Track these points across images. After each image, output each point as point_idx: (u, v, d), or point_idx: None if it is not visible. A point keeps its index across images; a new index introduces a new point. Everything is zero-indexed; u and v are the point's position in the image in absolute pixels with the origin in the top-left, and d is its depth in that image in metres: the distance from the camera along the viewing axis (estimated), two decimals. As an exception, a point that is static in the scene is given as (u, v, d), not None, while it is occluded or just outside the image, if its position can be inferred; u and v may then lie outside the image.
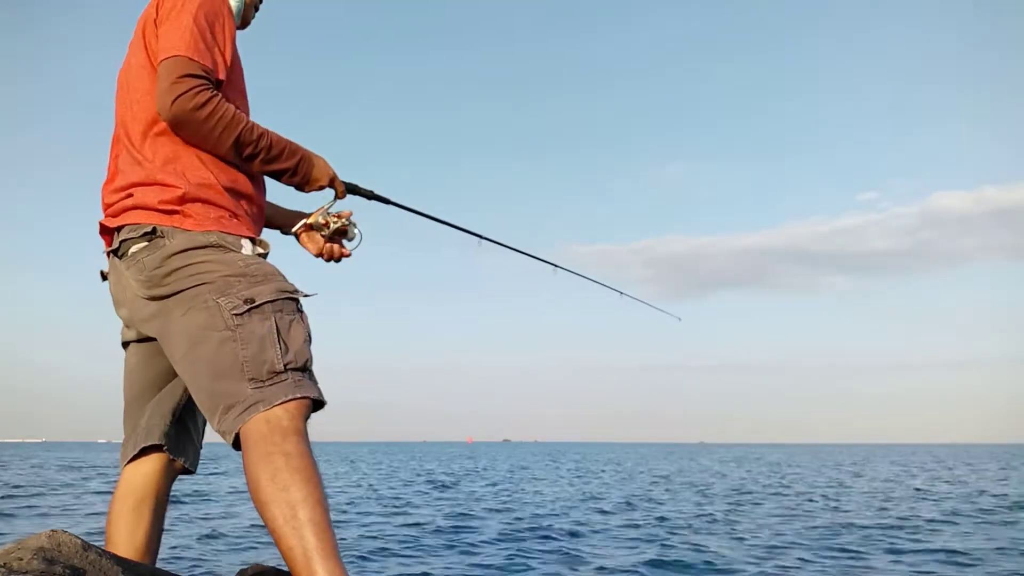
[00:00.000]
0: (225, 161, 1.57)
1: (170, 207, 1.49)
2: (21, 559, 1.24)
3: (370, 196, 1.90)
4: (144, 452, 1.66)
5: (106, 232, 1.60)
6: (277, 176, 1.66)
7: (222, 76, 1.54)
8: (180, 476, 1.74)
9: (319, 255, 1.83)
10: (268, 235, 1.81)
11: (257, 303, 1.44)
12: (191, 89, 1.45)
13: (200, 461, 1.78)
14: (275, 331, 1.43)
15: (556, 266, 2.70)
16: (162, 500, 1.69)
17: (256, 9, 1.84)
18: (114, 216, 1.55)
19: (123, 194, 1.54)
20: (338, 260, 1.83)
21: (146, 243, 1.49)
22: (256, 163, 1.60)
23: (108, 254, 1.61)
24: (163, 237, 1.48)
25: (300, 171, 1.66)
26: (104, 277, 1.67)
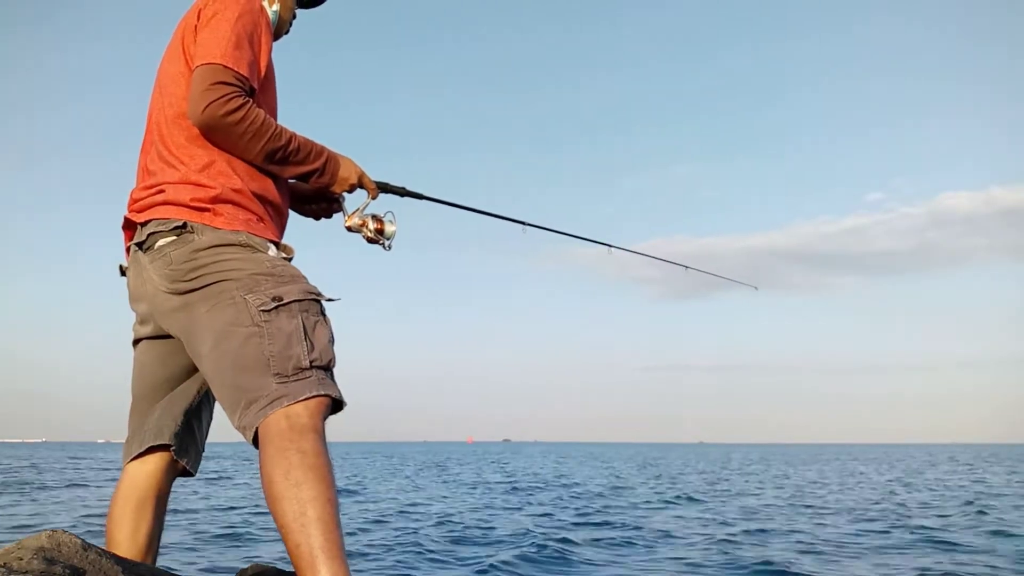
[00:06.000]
0: (256, 168, 1.61)
1: (202, 205, 1.53)
2: (21, 559, 1.24)
3: (403, 193, 1.91)
4: (149, 451, 1.66)
5: (129, 227, 1.63)
6: (306, 178, 1.70)
7: (256, 84, 1.58)
8: (179, 478, 1.74)
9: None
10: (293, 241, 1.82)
11: (285, 301, 1.47)
12: (223, 96, 1.48)
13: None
14: (302, 329, 1.46)
15: (611, 246, 2.72)
16: (163, 500, 1.70)
17: (291, 22, 1.87)
18: (141, 211, 1.58)
19: (154, 190, 1.57)
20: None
21: (175, 237, 1.52)
22: (285, 166, 1.63)
23: (129, 248, 1.63)
24: (192, 232, 1.51)
25: (327, 171, 1.70)
26: (123, 272, 1.69)
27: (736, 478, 15.17)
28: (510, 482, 13.39)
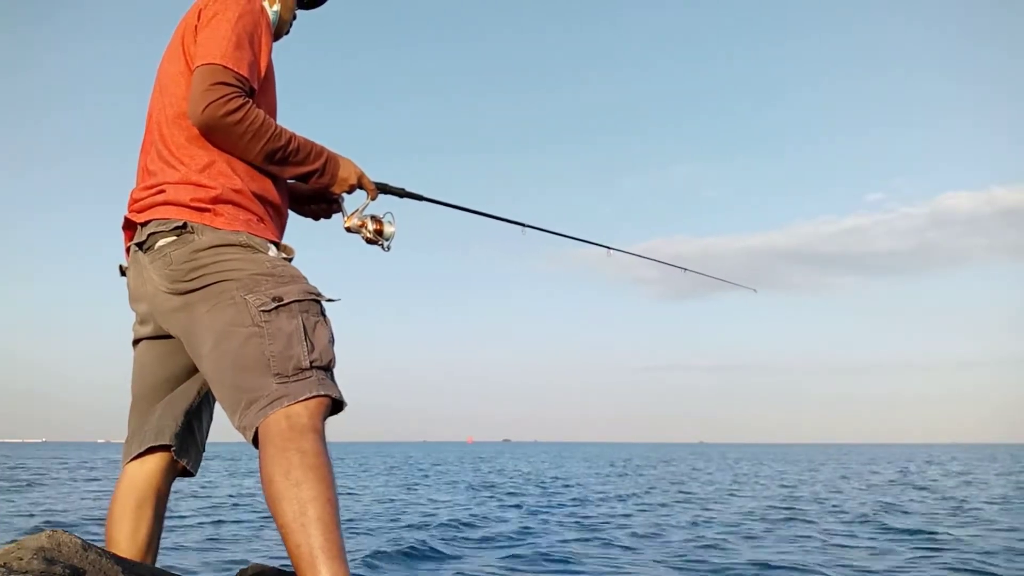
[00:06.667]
0: (256, 169, 1.62)
1: (202, 205, 1.53)
2: (21, 559, 1.24)
3: (402, 194, 1.92)
4: (149, 451, 1.67)
5: (129, 227, 1.64)
6: (306, 178, 1.70)
7: (256, 85, 1.58)
8: (179, 478, 1.74)
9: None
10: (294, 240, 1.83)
11: (285, 301, 1.47)
12: (223, 96, 1.49)
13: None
14: (302, 329, 1.47)
15: (609, 248, 2.73)
16: (163, 500, 1.70)
17: (291, 23, 1.87)
18: (141, 211, 1.59)
19: (154, 190, 1.58)
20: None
21: (175, 237, 1.52)
22: (285, 166, 1.64)
23: (129, 249, 1.63)
24: (193, 232, 1.52)
25: (327, 171, 1.70)
26: (123, 272, 1.69)
27: (702, 481, 14.41)
28: (469, 481, 13.54)
